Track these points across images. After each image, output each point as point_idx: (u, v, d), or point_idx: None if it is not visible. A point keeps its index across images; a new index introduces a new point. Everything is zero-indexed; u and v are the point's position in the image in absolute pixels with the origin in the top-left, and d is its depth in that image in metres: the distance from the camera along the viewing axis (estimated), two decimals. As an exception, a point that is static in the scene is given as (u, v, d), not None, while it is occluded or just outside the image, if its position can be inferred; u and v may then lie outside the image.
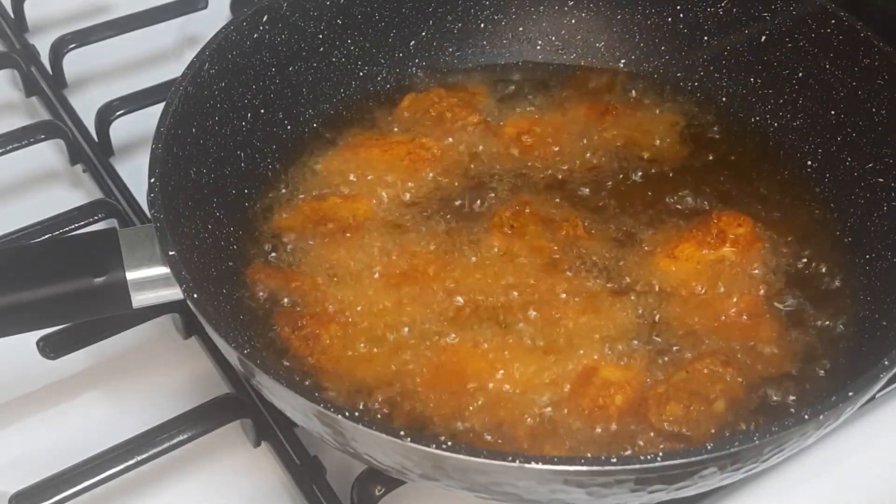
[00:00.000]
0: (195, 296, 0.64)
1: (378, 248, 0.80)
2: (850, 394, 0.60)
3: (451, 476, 0.59)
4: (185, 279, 0.65)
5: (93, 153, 0.95)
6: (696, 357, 0.72)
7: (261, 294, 0.76)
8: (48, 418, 0.78)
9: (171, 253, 0.66)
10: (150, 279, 0.68)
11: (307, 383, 0.71)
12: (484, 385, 0.71)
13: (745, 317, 0.75)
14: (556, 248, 0.79)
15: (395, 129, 0.90)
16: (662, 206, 0.83)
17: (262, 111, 0.86)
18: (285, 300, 0.76)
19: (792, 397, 0.71)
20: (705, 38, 0.93)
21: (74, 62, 1.04)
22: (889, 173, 0.80)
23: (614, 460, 0.56)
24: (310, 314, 0.75)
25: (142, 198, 0.89)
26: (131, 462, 0.70)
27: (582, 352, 0.73)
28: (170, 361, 0.81)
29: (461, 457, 0.56)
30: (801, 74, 0.88)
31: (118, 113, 0.96)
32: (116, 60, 1.07)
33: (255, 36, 0.85)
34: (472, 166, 0.87)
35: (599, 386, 0.70)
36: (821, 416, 0.58)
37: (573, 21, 0.97)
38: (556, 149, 0.88)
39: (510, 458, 0.55)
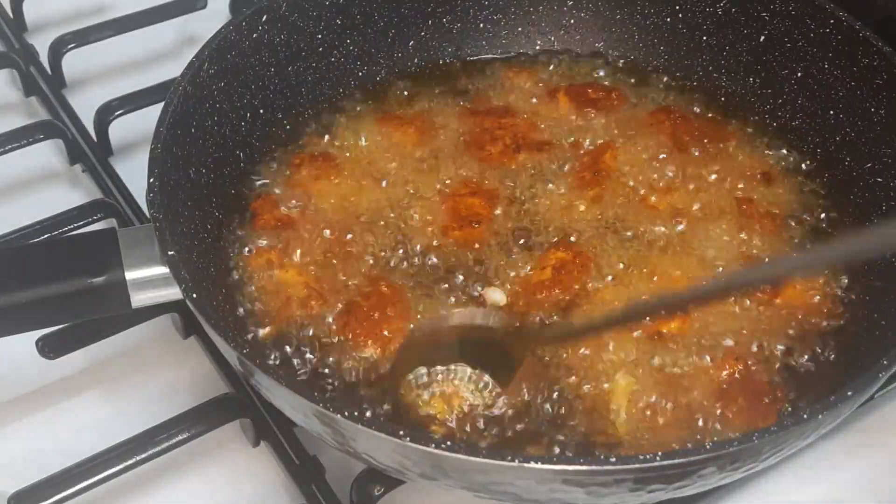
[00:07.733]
0: (194, 295, 0.64)
1: (379, 246, 0.80)
2: (849, 393, 0.60)
3: (449, 475, 0.59)
4: (184, 279, 0.65)
5: (92, 153, 0.95)
6: (694, 356, 0.72)
7: (260, 295, 0.77)
8: (47, 418, 0.78)
9: (170, 253, 0.66)
10: (149, 279, 0.68)
11: (306, 382, 0.71)
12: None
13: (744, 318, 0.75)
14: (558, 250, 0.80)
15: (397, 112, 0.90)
16: (664, 209, 0.83)
17: (262, 111, 0.86)
18: (285, 298, 0.76)
19: (791, 397, 0.71)
20: (705, 38, 0.93)
21: (73, 62, 1.03)
22: (888, 173, 0.80)
23: (613, 460, 0.56)
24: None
25: (141, 198, 0.89)
26: (130, 462, 0.70)
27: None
28: (169, 361, 0.81)
29: (460, 456, 0.56)
30: (799, 74, 0.88)
31: (117, 113, 0.96)
32: (115, 60, 1.07)
33: (255, 36, 0.85)
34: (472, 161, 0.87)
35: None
36: (819, 416, 0.58)
37: (572, 21, 0.97)
38: (557, 150, 0.88)
39: (509, 458, 0.55)
